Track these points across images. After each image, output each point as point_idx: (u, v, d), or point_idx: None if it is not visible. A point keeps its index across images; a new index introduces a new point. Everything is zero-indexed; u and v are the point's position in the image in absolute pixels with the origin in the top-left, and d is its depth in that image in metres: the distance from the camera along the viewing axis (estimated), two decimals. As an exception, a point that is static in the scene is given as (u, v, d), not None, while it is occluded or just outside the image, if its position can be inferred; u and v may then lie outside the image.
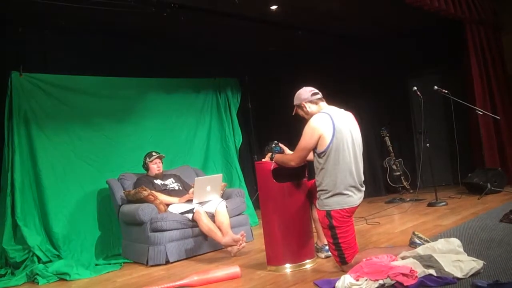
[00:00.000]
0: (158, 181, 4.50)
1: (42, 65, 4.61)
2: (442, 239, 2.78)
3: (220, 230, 3.93)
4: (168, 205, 4.25)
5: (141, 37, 5.29)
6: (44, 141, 4.48)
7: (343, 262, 2.88)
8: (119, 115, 5.14)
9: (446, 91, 5.15)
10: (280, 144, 3.41)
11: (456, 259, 2.50)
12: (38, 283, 3.71)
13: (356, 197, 2.89)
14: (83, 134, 4.79)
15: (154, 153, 4.62)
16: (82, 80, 4.87)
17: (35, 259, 3.99)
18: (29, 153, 4.39)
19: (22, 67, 4.37)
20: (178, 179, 4.70)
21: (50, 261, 4.02)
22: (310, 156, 3.04)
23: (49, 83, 4.62)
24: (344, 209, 2.84)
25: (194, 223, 4.05)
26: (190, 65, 5.88)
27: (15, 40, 4.44)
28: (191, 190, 4.28)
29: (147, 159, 4.60)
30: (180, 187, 4.57)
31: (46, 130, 4.53)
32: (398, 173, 6.33)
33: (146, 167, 4.61)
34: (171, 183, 4.56)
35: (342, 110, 3.09)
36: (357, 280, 2.46)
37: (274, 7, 5.04)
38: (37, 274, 3.78)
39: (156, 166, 4.58)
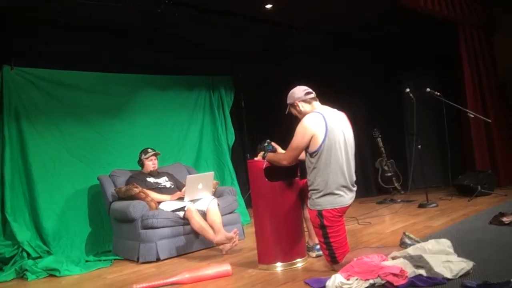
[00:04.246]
0: (151, 179, 4.48)
1: (34, 60, 4.56)
2: (433, 240, 2.79)
3: (212, 228, 3.92)
4: (159, 202, 4.23)
5: (135, 33, 5.25)
6: (35, 136, 4.45)
7: (334, 261, 2.89)
8: (112, 112, 5.11)
9: (438, 93, 5.18)
10: (273, 143, 3.41)
11: (446, 260, 2.52)
12: (27, 279, 3.68)
13: (347, 197, 2.90)
14: (74, 130, 4.76)
15: (150, 150, 4.60)
16: (74, 75, 4.84)
17: (25, 254, 3.95)
18: (19, 148, 4.36)
19: (13, 61, 4.33)
20: (171, 177, 4.69)
21: (40, 257, 3.99)
22: (302, 155, 3.04)
23: (41, 78, 4.59)
24: (336, 208, 2.84)
25: (185, 221, 4.04)
26: (183, 63, 5.85)
27: (6, 34, 4.39)
28: (183, 189, 4.27)
29: (143, 155, 4.58)
30: (172, 186, 4.55)
31: (37, 125, 4.49)
32: (389, 174, 6.36)
33: (141, 163, 4.60)
34: (164, 181, 4.55)
35: (335, 110, 3.10)
36: (348, 280, 2.47)
37: (269, 6, 5.03)
38: (26, 270, 3.75)
39: (151, 163, 4.57)
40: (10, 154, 4.25)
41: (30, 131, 4.43)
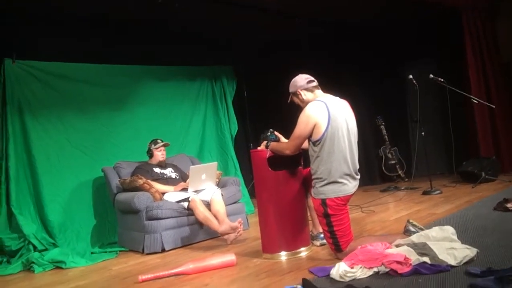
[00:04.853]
0: (157, 169, 4.49)
1: (35, 52, 4.56)
2: (436, 227, 2.80)
3: (217, 218, 3.93)
4: (163, 193, 4.25)
5: (136, 24, 5.23)
6: (38, 129, 4.47)
7: (338, 250, 2.90)
8: (114, 103, 5.11)
9: (442, 80, 5.14)
10: (276, 132, 3.40)
11: (450, 247, 2.52)
12: (34, 271, 3.71)
13: (351, 185, 2.90)
14: (77, 122, 4.77)
15: (159, 141, 4.60)
16: (76, 67, 4.84)
17: (31, 247, 3.98)
18: (23, 141, 4.38)
19: (15, 54, 4.32)
20: (176, 168, 4.70)
21: (46, 249, 4.02)
22: (305, 144, 3.04)
23: (43, 71, 4.59)
24: (339, 197, 2.85)
25: (190, 211, 4.05)
26: (185, 53, 5.83)
27: (7, 27, 4.38)
28: (188, 180, 4.27)
29: (153, 145, 4.58)
30: (177, 177, 4.56)
31: (40, 118, 4.51)
32: (393, 162, 6.35)
33: (150, 153, 4.60)
34: (169, 172, 4.56)
35: (338, 98, 3.08)
36: (352, 268, 2.48)
37: (270, -5, 5.00)
38: (33, 262, 3.78)
39: (160, 154, 4.57)
40: (14, 147, 4.28)
41: (33, 124, 4.44)
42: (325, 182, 2.86)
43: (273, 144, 3.19)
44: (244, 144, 6.74)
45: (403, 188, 5.90)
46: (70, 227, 4.40)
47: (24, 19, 4.48)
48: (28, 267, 3.82)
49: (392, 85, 7.01)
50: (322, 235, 3.26)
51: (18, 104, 4.37)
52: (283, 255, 3.14)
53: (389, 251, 2.60)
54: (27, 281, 3.53)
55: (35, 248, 3.99)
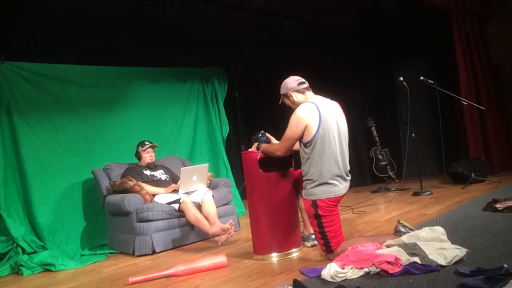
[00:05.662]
0: (147, 172, 4.46)
1: (24, 53, 4.51)
2: (427, 228, 2.81)
3: (208, 220, 3.92)
4: (154, 195, 4.22)
5: (127, 25, 5.20)
6: (27, 131, 4.41)
7: (329, 250, 2.90)
8: (105, 105, 5.07)
9: (432, 82, 5.18)
10: (267, 134, 3.40)
11: (440, 247, 2.53)
12: (22, 274, 3.67)
13: (342, 187, 2.90)
14: (67, 124, 4.73)
15: (147, 142, 4.57)
16: (66, 69, 4.80)
17: (19, 250, 3.94)
18: (12, 143, 4.32)
19: (3, 55, 4.28)
20: (167, 170, 4.68)
21: (35, 252, 3.98)
22: (297, 146, 3.04)
23: (32, 72, 4.54)
24: (330, 198, 2.85)
25: (180, 213, 4.04)
26: (176, 54, 5.81)
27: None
28: (179, 182, 4.25)
29: (140, 148, 4.55)
30: (168, 178, 4.54)
31: (30, 119, 4.45)
32: (384, 163, 6.38)
33: (138, 156, 4.57)
34: (160, 174, 4.54)
35: (329, 99, 3.09)
36: (343, 268, 2.49)
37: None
38: (22, 265, 3.74)
39: (148, 155, 4.54)
40: (2, 149, 4.22)
41: (23, 126, 4.39)
42: (316, 183, 2.87)
43: (264, 146, 3.19)
44: (236, 146, 6.73)
45: (393, 189, 5.92)
46: (59, 230, 4.36)
47: (12, 19, 4.43)
48: (16, 270, 3.78)
49: (383, 87, 7.04)
50: (313, 236, 3.26)
51: (6, 106, 4.32)
52: (274, 256, 3.14)
53: (380, 251, 2.61)
54: (16, 284, 3.49)
55: (23, 250, 3.95)
